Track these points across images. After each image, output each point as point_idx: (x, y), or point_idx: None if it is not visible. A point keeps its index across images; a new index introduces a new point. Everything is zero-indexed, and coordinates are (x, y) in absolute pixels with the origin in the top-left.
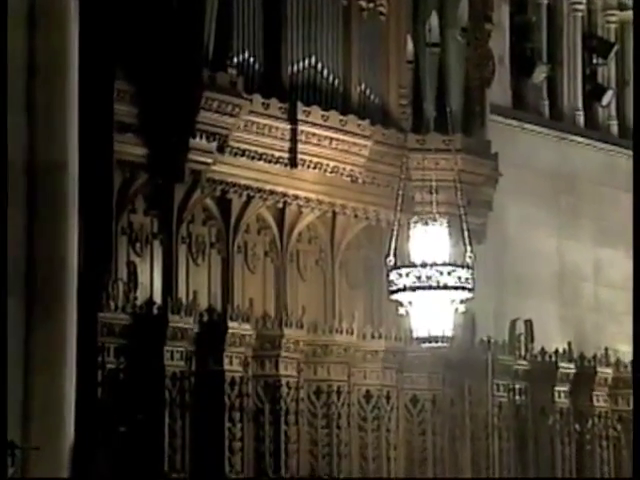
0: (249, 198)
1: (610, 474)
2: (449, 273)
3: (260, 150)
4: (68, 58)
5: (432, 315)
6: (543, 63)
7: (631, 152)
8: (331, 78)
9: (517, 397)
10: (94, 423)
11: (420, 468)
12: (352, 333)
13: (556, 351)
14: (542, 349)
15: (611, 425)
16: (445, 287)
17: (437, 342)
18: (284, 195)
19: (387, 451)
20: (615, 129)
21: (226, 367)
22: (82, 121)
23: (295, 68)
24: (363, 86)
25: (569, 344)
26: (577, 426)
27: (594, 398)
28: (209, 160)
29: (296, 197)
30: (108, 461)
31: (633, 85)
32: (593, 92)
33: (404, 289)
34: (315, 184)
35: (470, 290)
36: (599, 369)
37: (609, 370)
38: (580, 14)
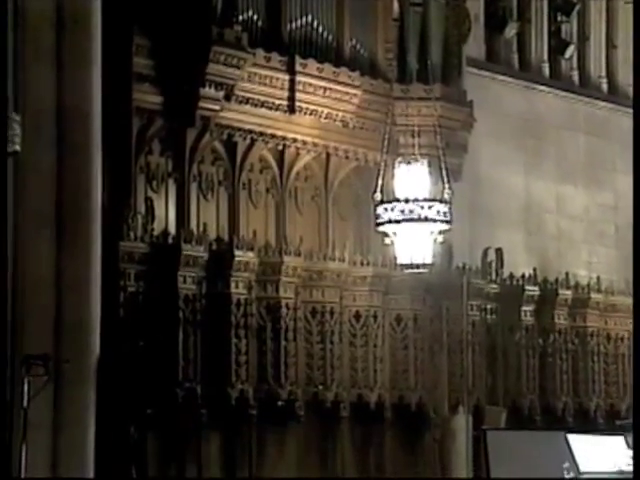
0: (252, 141)
1: (568, 382)
2: (429, 207)
3: (262, 98)
4: (91, 17)
5: (414, 244)
6: (513, 21)
7: (590, 99)
8: (325, 34)
9: (488, 316)
10: (117, 338)
11: (403, 378)
12: (343, 260)
13: (523, 275)
14: (510, 274)
15: (570, 340)
16: (426, 219)
17: (418, 268)
18: (283, 138)
19: (374, 363)
20: (576, 79)
21: (232, 290)
22: (104, 73)
23: (294, 25)
24: (354, 41)
25: (534, 269)
26: (540, 341)
27: (555, 316)
28: (217, 107)
29: (294, 140)
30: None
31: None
32: (557, 46)
33: (389, 221)
34: (311, 129)
35: (448, 222)
36: (560, 291)
37: (569, 292)
38: None
